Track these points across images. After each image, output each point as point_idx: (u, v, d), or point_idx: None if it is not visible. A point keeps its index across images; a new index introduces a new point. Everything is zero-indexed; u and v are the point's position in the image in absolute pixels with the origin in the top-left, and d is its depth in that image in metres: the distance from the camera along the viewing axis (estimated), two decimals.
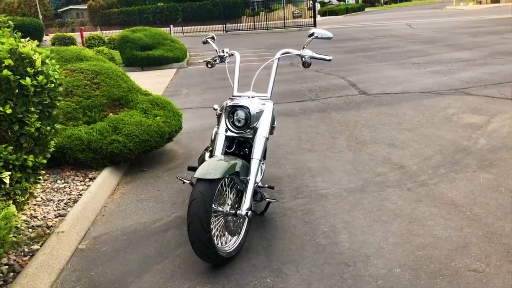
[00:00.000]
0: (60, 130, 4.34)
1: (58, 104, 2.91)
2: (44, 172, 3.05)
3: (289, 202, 3.96)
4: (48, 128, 2.83)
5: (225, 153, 3.27)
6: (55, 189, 4.26)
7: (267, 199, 3.44)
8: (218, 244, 2.89)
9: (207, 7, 42.72)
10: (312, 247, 3.18)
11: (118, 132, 4.61)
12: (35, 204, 3.97)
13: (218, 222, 2.88)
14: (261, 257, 3.08)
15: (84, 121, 4.74)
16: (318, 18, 42.91)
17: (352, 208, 3.80)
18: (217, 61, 3.74)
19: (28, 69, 2.65)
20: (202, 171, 2.77)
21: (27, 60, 2.67)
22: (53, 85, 2.83)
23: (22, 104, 2.60)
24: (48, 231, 3.33)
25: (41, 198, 4.07)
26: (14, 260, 2.92)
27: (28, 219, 3.61)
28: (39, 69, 2.70)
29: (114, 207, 4.03)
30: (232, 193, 3.01)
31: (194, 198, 2.70)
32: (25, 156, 2.69)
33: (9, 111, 2.48)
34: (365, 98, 8.23)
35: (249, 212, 2.93)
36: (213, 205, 2.80)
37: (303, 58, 3.47)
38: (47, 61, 2.76)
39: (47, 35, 29.19)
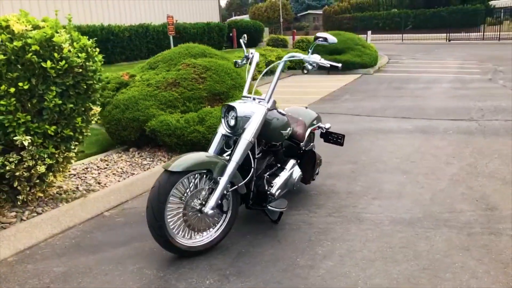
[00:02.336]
0: (157, 115, 4.96)
1: (86, 87, 3.41)
2: (77, 143, 3.59)
3: (318, 217, 3.72)
4: (71, 105, 3.36)
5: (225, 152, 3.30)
6: (139, 165, 4.90)
7: (269, 207, 3.34)
8: (182, 235, 2.98)
9: (441, 14, 40.07)
10: (284, 265, 2.98)
11: (202, 123, 5.00)
12: (114, 174, 4.66)
13: (179, 215, 2.96)
14: (226, 261, 3.04)
15: (181, 110, 5.28)
16: None
17: (375, 238, 3.36)
18: (244, 61, 3.74)
19: (55, 55, 3.20)
20: (170, 163, 2.90)
21: (56, 47, 3.23)
22: (81, 70, 3.34)
23: (43, 82, 3.17)
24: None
25: (122, 170, 4.75)
26: (44, 210, 3.56)
27: (93, 183, 4.28)
28: (64, 55, 3.23)
29: None
30: (206, 190, 3.04)
31: (153, 186, 2.86)
32: (46, 126, 3.27)
33: (26, 86, 3.07)
34: None
35: (211, 211, 2.93)
36: (174, 197, 2.90)
37: (305, 64, 3.24)
38: (71, 49, 3.27)
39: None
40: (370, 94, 10.27)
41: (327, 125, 4.47)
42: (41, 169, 3.36)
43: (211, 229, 3.13)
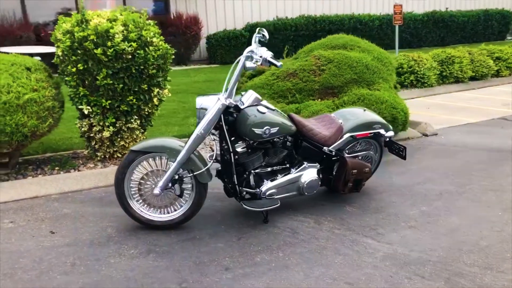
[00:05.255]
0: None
1: (137, 71, 4.08)
2: (137, 117, 4.31)
3: (312, 229, 3.44)
4: (121, 85, 4.08)
5: None
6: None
7: (243, 204, 3.37)
8: (144, 208, 3.36)
9: None
10: (206, 260, 3.00)
11: None
12: (207, 151, 5.25)
13: (136, 189, 3.33)
14: (171, 241, 3.24)
15: (290, 101, 5.40)
16: None
17: (335, 266, 2.96)
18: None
19: (108, 43, 3.97)
20: (137, 143, 3.33)
21: (111, 37, 3.99)
22: (130, 56, 4.02)
23: (95, 65, 4.00)
24: None
25: None
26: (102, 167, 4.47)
27: None
28: (115, 44, 3.96)
29: None
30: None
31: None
32: (103, 100, 4.11)
33: (81, 67, 3.95)
34: None
35: (157, 192, 3.19)
36: (139, 172, 3.31)
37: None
38: (118, 38, 3.96)
39: None
40: None
41: (390, 134, 3.88)
42: (106, 134, 4.23)
43: (171, 210, 3.37)
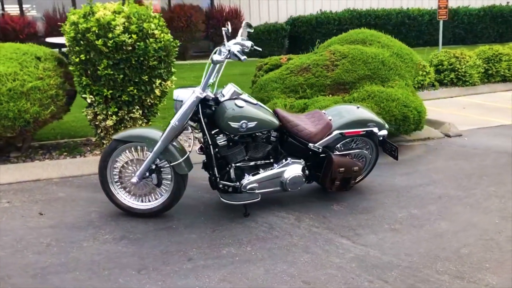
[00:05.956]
0: (275, 97, 5.33)
1: (136, 62, 4.18)
2: (138, 107, 4.43)
3: (290, 226, 3.41)
4: (121, 76, 4.20)
5: None
6: None
7: (221, 196, 3.40)
8: (127, 196, 3.47)
9: None
10: (174, 249, 3.05)
11: (303, 111, 5.00)
12: None
13: (118, 177, 3.43)
14: (147, 229, 3.32)
15: (300, 96, 5.34)
16: None
17: (296, 264, 2.94)
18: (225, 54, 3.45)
19: (109, 35, 4.10)
20: (120, 132, 3.44)
21: (111, 29, 4.12)
22: (130, 48, 4.14)
23: (96, 56, 4.14)
24: None
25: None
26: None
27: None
28: (115, 35, 4.08)
29: None
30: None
31: None
32: (104, 90, 4.25)
33: (83, 58, 4.11)
34: None
35: (134, 180, 3.28)
36: (122, 161, 3.42)
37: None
38: (118, 30, 4.07)
39: None
40: None
41: (383, 132, 3.76)
42: (109, 122, 4.39)
43: (152, 198, 3.45)
